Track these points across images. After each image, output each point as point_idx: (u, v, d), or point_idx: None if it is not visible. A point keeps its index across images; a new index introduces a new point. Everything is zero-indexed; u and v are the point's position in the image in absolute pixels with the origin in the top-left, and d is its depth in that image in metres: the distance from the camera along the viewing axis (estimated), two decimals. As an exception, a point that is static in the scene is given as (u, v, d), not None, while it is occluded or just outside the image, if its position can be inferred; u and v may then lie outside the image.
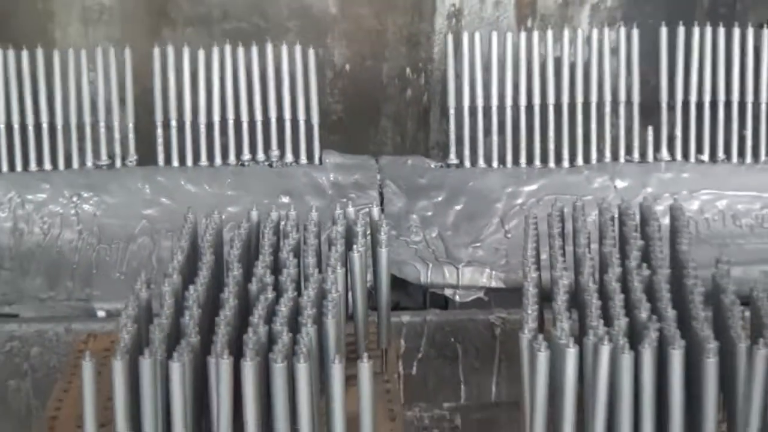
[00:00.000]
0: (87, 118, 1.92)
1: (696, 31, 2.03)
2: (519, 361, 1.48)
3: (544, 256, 1.38)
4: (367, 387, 1.15)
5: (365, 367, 1.13)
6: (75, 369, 1.49)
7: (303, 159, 1.93)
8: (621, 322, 1.19)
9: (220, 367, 1.10)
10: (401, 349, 1.85)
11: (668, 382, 1.17)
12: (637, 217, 1.48)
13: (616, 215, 1.47)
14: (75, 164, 1.92)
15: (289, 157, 1.94)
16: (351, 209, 1.50)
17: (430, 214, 2.06)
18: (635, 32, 1.96)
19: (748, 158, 2.10)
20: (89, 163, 1.90)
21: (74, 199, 1.92)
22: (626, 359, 1.14)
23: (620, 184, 2.11)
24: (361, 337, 1.46)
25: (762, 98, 1.93)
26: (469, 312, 1.96)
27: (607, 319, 1.21)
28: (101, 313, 1.93)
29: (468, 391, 1.84)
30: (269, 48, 1.94)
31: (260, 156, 1.98)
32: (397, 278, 2.01)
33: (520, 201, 2.10)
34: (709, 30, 2.03)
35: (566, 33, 2.01)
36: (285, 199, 1.96)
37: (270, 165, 1.92)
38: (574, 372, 1.15)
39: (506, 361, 1.82)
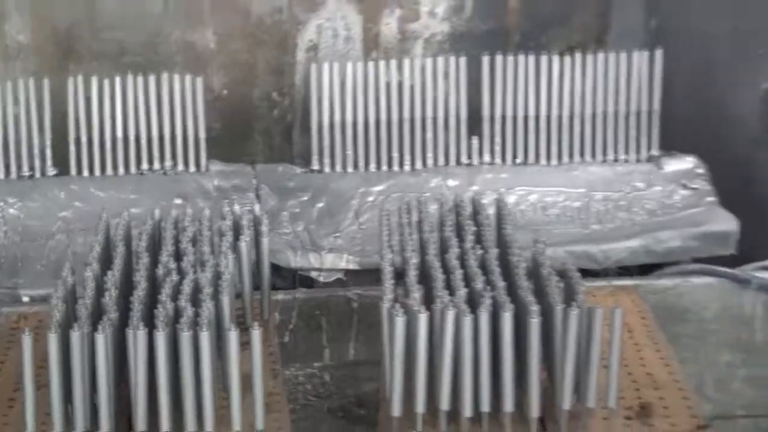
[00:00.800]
0: (12, 137, 2.13)
1: (510, 59, 2.28)
2: (374, 328, 1.67)
3: (395, 242, 1.59)
4: (258, 350, 1.29)
5: (257, 334, 1.28)
6: (10, 344, 1.66)
7: (192, 168, 2.20)
8: (461, 292, 1.40)
9: (137, 338, 1.25)
10: (276, 321, 2.03)
11: (501, 339, 1.35)
12: (469, 208, 1.71)
13: (453, 207, 1.71)
14: (1, 176, 2.15)
15: (180, 166, 2.19)
16: (237, 207, 1.76)
17: (297, 210, 2.28)
18: (462, 60, 2.24)
19: (554, 161, 2.34)
20: (14, 175, 2.14)
21: (1, 204, 2.15)
22: (467, 322, 1.33)
23: (452, 183, 2.34)
24: (248, 311, 1.65)
25: (564, 112, 2.22)
26: (330, 290, 2.17)
27: (450, 290, 1.41)
28: (26, 299, 2.09)
29: (331, 353, 2.04)
30: (163, 77, 2.18)
31: (156, 166, 2.22)
32: (273, 263, 2.16)
33: (371, 199, 2.33)
34: (521, 58, 2.29)
35: (405, 62, 2.27)
36: (179, 201, 2.17)
37: (165, 173, 2.17)
38: (425, 333, 1.32)
39: (362, 328, 2.04)
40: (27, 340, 1.21)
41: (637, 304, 1.95)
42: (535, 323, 1.31)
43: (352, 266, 2.18)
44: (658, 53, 2.40)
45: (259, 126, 2.71)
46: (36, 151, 2.15)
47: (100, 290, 1.39)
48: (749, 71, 2.46)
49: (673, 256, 2.30)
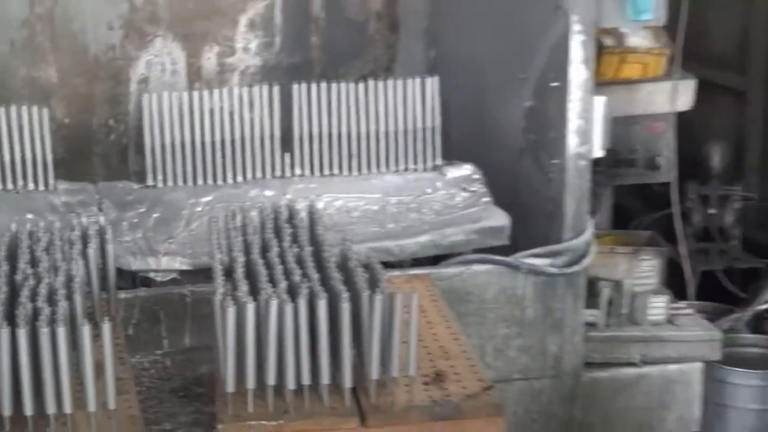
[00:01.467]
0: None
1: (314, 86, 2.53)
2: (206, 318, 1.78)
3: (223, 244, 1.68)
4: (108, 341, 1.37)
5: (106, 327, 1.37)
6: None
7: (41, 186, 2.35)
8: (282, 284, 1.50)
9: (1, 335, 1.32)
10: (121, 316, 2.08)
11: (317, 323, 1.44)
12: (285, 214, 1.84)
13: (271, 213, 1.83)
14: None
15: (30, 185, 2.35)
16: (84, 219, 1.90)
17: (136, 221, 2.44)
18: (275, 89, 2.48)
19: (354, 172, 2.57)
20: None
21: None
22: (288, 309, 1.43)
23: (268, 193, 2.50)
24: (97, 308, 1.73)
25: (361, 130, 2.48)
26: (167, 288, 2.33)
27: (273, 283, 1.51)
28: None
29: (170, 342, 2.16)
30: (12, 109, 2.35)
31: (9, 185, 2.37)
32: (117, 267, 2.10)
33: (199, 209, 2.46)
34: (323, 86, 2.54)
35: (224, 91, 2.50)
36: (30, 216, 2.26)
37: (17, 192, 2.33)
38: (253, 321, 1.41)
39: (195, 319, 2.19)
40: None
41: (429, 289, 2.15)
42: (345, 308, 1.44)
43: (185, 267, 2.33)
44: (435, 79, 2.65)
45: (98, 149, 2.90)
46: None
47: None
48: (513, 93, 2.67)
49: (457, 248, 2.51)
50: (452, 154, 2.71)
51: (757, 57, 4.06)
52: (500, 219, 2.51)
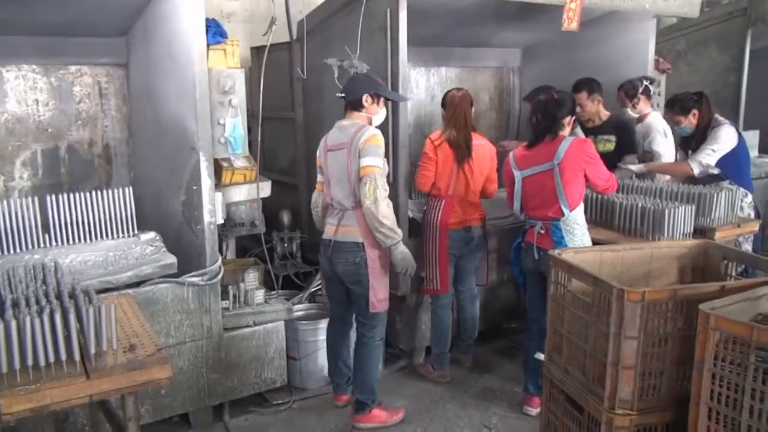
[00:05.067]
0: None
1: (62, 196, 3.25)
2: None
3: None
4: None
5: None
6: None
7: None
8: (34, 307, 2.02)
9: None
10: None
11: (55, 326, 1.99)
12: (40, 268, 2.55)
13: (32, 269, 2.54)
14: None
15: None
16: None
17: None
18: (36, 199, 3.17)
19: (89, 241, 3.31)
20: None
21: None
22: (37, 321, 1.97)
23: (36, 256, 3.15)
24: None
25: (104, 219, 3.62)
26: None
27: (29, 306, 2.07)
28: None
29: None
30: None
31: None
32: None
33: None
34: (64, 196, 3.28)
35: (8, 201, 3.17)
36: None
37: None
38: (15, 331, 1.93)
39: None
40: None
41: (129, 301, 2.80)
42: (71, 315, 2.05)
43: None
44: (130, 189, 3.44)
45: None
46: None
47: None
48: (175, 192, 3.53)
49: (149, 277, 3.28)
50: (144, 226, 3.63)
51: (300, 169, 5.27)
52: (170, 259, 3.40)
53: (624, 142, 4.61)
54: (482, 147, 4.09)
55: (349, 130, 3.45)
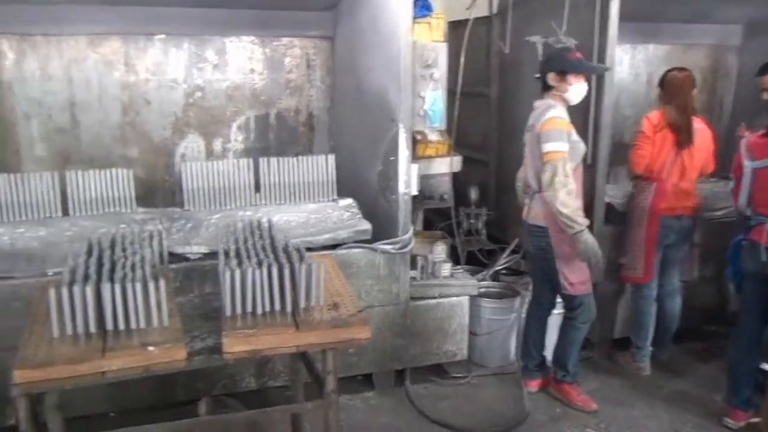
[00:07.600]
0: None
1: (273, 159, 3.33)
2: (216, 278, 2.15)
3: None
4: (164, 290, 1.86)
5: (163, 282, 1.81)
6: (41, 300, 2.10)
7: (128, 210, 3.07)
8: (254, 259, 2.00)
9: (107, 288, 1.80)
10: (171, 276, 2.36)
11: (272, 279, 1.99)
12: (256, 224, 2.48)
13: (249, 224, 2.51)
14: None
15: (123, 209, 3.07)
16: (151, 227, 2.57)
17: (179, 227, 3.09)
18: (251, 160, 3.27)
19: (292, 202, 3.36)
20: None
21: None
22: (258, 272, 1.99)
23: (248, 213, 3.23)
24: (159, 273, 2.09)
25: (301, 181, 3.41)
26: (196, 262, 2.89)
27: (249, 259, 2.05)
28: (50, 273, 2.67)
29: (197, 290, 2.39)
30: (114, 170, 3.09)
31: (112, 209, 3.09)
32: (169, 251, 2.56)
33: (213, 221, 3.16)
34: (275, 159, 3.36)
35: (225, 161, 3.32)
36: (123, 226, 2.85)
37: (115, 213, 3.03)
38: (239, 279, 1.96)
39: (210, 278, 2.53)
40: (52, 292, 1.82)
41: (331, 261, 2.76)
42: (286, 271, 1.97)
43: (205, 251, 2.98)
44: (332, 156, 3.48)
45: (159, 191, 3.75)
46: None
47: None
48: (372, 162, 3.53)
49: (345, 241, 3.30)
50: (342, 192, 3.66)
51: (492, 146, 5.14)
52: (366, 225, 3.41)
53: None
54: (703, 131, 3.82)
55: (536, 112, 3.35)
